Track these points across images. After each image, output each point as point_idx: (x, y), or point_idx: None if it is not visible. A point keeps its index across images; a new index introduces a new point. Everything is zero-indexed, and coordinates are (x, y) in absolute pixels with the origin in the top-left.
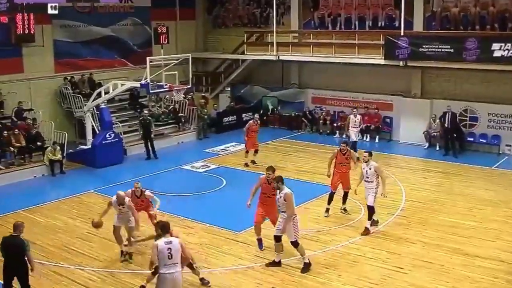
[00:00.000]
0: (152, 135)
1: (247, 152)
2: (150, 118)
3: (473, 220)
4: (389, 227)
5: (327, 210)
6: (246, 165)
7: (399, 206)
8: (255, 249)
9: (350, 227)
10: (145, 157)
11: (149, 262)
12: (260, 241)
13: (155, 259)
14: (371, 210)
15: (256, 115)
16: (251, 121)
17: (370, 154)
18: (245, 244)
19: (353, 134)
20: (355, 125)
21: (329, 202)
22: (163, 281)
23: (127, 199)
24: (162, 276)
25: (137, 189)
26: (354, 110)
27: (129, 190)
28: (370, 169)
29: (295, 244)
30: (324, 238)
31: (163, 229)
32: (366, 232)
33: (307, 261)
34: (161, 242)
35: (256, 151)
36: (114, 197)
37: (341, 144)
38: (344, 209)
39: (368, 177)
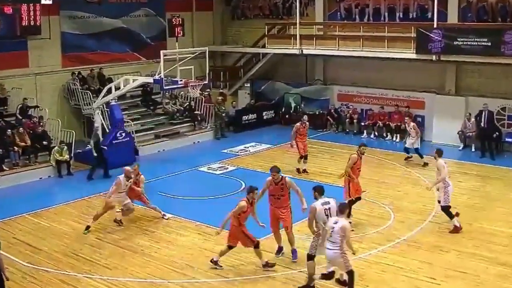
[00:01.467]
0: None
1: (301, 157)
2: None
3: (511, 228)
4: (421, 234)
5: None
6: (298, 171)
7: (431, 212)
8: (276, 257)
9: (378, 234)
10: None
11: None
12: (280, 249)
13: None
14: (444, 210)
15: (305, 117)
16: (298, 124)
17: (439, 153)
18: (265, 252)
19: (410, 142)
20: (411, 135)
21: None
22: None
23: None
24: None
25: (135, 169)
26: (407, 118)
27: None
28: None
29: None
30: None
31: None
32: (456, 230)
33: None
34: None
35: (305, 157)
36: (121, 176)
37: (362, 147)
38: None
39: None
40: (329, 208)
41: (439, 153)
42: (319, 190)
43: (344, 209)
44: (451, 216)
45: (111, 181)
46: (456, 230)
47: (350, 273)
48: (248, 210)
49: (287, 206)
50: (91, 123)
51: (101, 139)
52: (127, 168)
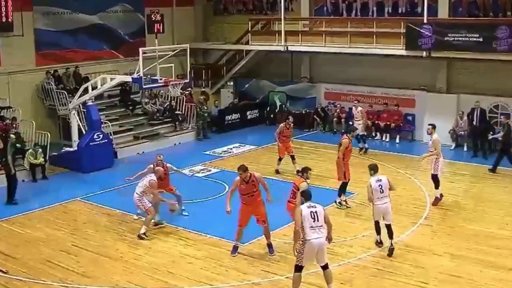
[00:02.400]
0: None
1: (280, 159)
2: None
3: (506, 229)
4: (412, 237)
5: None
6: (277, 172)
7: (423, 214)
8: (261, 263)
9: (368, 237)
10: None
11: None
12: (236, 248)
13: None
14: (434, 178)
15: (291, 118)
16: (282, 124)
17: (434, 127)
18: (251, 258)
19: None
20: (356, 118)
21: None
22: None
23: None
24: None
25: (159, 161)
26: (355, 101)
27: (151, 165)
28: (430, 140)
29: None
30: (339, 250)
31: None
32: (436, 201)
33: None
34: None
35: (292, 158)
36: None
37: (353, 132)
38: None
39: (429, 148)
40: (316, 212)
41: (434, 127)
42: (305, 196)
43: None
44: (437, 185)
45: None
46: (436, 201)
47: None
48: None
49: (260, 201)
50: (67, 124)
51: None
52: (159, 168)
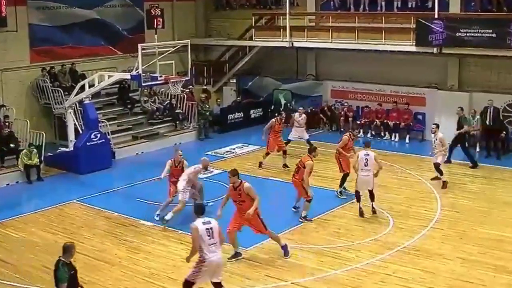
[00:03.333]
0: None
1: (267, 154)
2: None
3: None
4: (422, 241)
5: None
6: (260, 165)
7: (433, 217)
8: (265, 268)
9: (376, 241)
10: None
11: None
12: (235, 255)
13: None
14: (437, 167)
15: (283, 113)
16: (274, 119)
17: (438, 127)
18: (254, 262)
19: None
20: (299, 125)
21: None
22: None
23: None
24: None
25: (180, 156)
26: (300, 109)
27: (169, 161)
28: (436, 140)
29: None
30: (346, 254)
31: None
32: (444, 185)
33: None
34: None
35: (284, 152)
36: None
37: (356, 135)
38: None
39: (436, 147)
40: (211, 228)
41: (438, 126)
42: (197, 210)
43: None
44: (441, 172)
45: None
46: (445, 185)
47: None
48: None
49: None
50: (63, 124)
51: None
52: (205, 159)
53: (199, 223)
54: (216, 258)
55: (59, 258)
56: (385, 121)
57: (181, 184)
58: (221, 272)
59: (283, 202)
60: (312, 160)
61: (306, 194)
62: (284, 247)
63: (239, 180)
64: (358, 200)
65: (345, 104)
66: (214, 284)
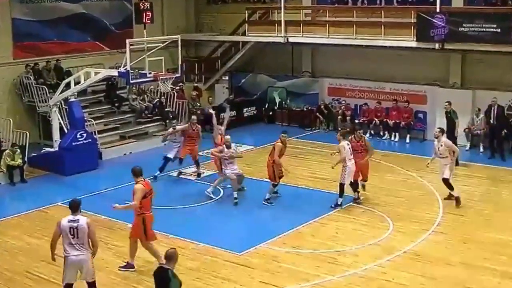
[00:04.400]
0: None
1: (180, 160)
2: None
3: None
4: (424, 245)
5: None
6: (179, 174)
7: (435, 220)
8: (260, 274)
9: (375, 246)
10: None
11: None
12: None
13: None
14: (446, 183)
15: (194, 117)
16: (187, 125)
17: (442, 131)
18: (249, 268)
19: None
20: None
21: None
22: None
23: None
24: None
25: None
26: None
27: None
28: (441, 146)
29: None
30: (344, 259)
31: None
32: (458, 202)
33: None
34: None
35: (197, 163)
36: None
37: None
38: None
39: (441, 153)
40: (77, 227)
41: (443, 131)
42: (71, 206)
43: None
44: (452, 187)
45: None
46: (458, 201)
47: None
48: None
49: (136, 214)
50: (48, 123)
51: None
52: (227, 137)
53: (64, 219)
54: (75, 258)
55: (164, 268)
56: (385, 120)
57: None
58: (90, 273)
59: (279, 205)
60: (282, 143)
61: (274, 178)
62: (130, 265)
63: (138, 179)
64: (342, 195)
65: (343, 102)
66: (88, 284)
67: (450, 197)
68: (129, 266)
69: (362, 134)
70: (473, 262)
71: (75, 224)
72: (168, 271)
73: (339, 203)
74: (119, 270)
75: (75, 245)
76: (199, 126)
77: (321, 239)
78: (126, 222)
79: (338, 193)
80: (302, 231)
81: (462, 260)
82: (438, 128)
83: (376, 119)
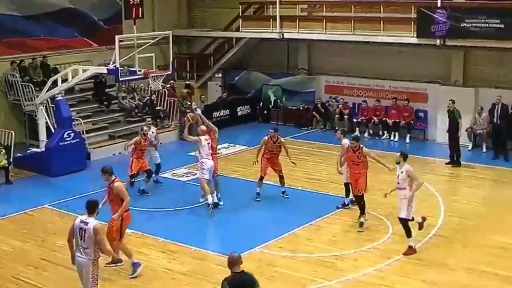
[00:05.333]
0: None
1: (133, 176)
2: None
3: None
4: (424, 250)
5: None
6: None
7: (436, 223)
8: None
9: (374, 250)
10: None
11: None
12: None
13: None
14: (403, 224)
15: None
16: (137, 137)
17: (404, 156)
18: None
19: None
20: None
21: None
22: None
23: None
24: None
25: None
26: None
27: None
28: (402, 172)
29: None
30: (342, 264)
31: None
32: (409, 251)
33: None
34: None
35: (148, 174)
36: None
37: (351, 141)
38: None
39: (399, 183)
40: (84, 230)
41: (405, 156)
42: (87, 206)
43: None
44: (409, 232)
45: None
46: (410, 251)
47: None
48: None
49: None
50: (34, 122)
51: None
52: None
53: (78, 218)
54: (77, 259)
55: (245, 272)
56: (384, 119)
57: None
58: (88, 281)
59: (274, 207)
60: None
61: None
62: (135, 265)
63: (112, 178)
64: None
65: (340, 100)
66: None
67: (421, 226)
68: (137, 265)
69: (357, 142)
70: (475, 266)
71: (85, 227)
72: (251, 274)
73: (346, 203)
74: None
75: (80, 247)
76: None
77: (318, 242)
78: None
79: (345, 193)
80: (298, 234)
81: (464, 265)
82: (399, 152)
83: (375, 118)
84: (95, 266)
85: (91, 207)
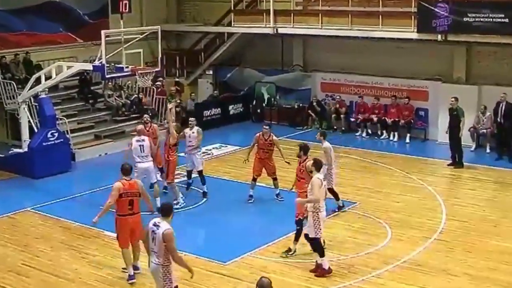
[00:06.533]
0: None
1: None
2: None
3: None
4: (425, 255)
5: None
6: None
7: (437, 227)
8: (247, 286)
9: (372, 255)
10: None
11: None
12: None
13: None
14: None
15: (146, 116)
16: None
17: (324, 134)
18: (234, 279)
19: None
20: (191, 143)
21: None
22: None
23: None
24: None
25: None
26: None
27: None
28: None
29: None
30: (338, 270)
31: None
32: (322, 272)
33: None
34: None
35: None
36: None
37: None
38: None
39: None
40: (156, 234)
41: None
42: (160, 209)
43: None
44: (322, 253)
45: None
46: (322, 273)
47: None
48: None
49: (139, 213)
50: (16, 121)
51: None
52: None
53: (152, 221)
54: (151, 264)
55: None
56: (383, 118)
57: None
58: (158, 283)
59: (267, 211)
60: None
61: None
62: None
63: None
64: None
65: (337, 98)
66: None
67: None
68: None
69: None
70: (477, 272)
71: (156, 230)
72: None
73: (341, 204)
74: None
75: (152, 251)
76: (155, 125)
77: None
78: (101, 230)
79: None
80: (292, 239)
81: (466, 271)
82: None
83: (373, 117)
84: (166, 272)
85: (166, 211)
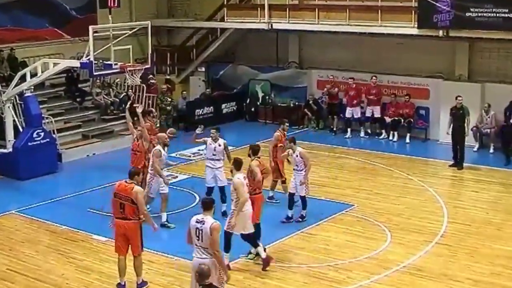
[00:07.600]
0: None
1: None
2: None
3: None
4: (426, 259)
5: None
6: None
7: (439, 231)
8: None
9: (371, 259)
10: None
11: None
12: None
13: None
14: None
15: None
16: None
17: (292, 141)
18: (229, 285)
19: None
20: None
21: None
22: None
23: None
24: None
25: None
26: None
27: None
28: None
29: None
30: (335, 275)
31: None
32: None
33: None
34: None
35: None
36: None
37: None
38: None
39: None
40: (202, 230)
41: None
42: (201, 204)
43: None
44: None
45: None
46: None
47: None
48: None
49: (134, 220)
50: (1, 120)
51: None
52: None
53: (194, 217)
54: (194, 261)
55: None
56: (382, 117)
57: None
58: (200, 280)
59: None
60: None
61: (281, 175)
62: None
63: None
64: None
65: (330, 77)
66: None
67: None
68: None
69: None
70: (481, 278)
71: (201, 226)
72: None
73: (304, 214)
74: None
75: (199, 248)
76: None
77: (310, 252)
78: (89, 233)
79: (301, 205)
80: (288, 243)
81: (469, 276)
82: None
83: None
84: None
85: (207, 205)
